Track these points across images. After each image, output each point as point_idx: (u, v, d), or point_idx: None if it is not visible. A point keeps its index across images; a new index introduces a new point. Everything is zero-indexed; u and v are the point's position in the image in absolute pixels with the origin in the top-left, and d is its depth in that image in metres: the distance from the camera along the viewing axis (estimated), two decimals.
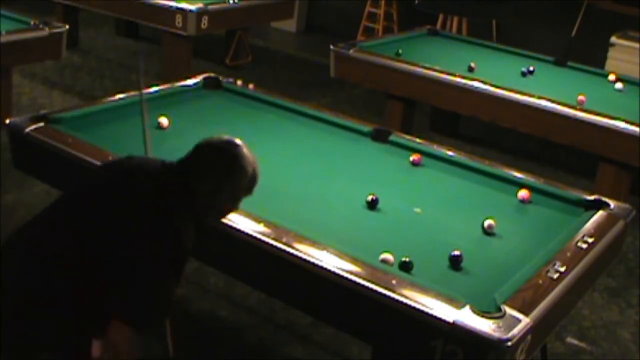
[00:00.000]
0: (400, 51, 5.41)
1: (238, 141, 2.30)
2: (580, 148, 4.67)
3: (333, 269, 2.42)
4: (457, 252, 2.62)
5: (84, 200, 2.22)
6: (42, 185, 4.24)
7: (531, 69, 5.45)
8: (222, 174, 2.24)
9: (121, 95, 3.86)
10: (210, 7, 6.27)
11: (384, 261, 2.52)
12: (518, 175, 3.37)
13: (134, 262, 2.08)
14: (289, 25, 8.87)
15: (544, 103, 4.64)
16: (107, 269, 2.07)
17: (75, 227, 2.14)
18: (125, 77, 6.86)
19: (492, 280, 2.53)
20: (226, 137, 2.31)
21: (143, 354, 2.18)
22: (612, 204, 3.08)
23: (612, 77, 5.40)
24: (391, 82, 5.29)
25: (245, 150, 2.28)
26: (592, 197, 3.14)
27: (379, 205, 2.99)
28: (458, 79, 4.96)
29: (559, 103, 4.62)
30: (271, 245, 2.55)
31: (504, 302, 2.30)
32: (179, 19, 6.13)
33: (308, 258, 2.48)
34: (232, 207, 2.35)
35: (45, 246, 2.12)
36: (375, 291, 2.33)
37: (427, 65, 5.14)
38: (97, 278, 2.06)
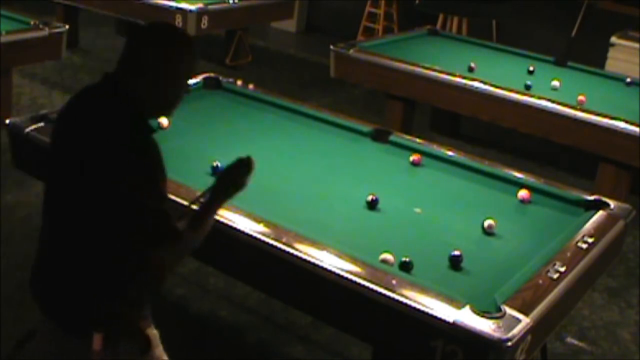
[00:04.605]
0: (529, 83, 5.01)
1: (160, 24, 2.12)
2: (580, 148, 4.67)
3: (333, 269, 2.42)
4: (457, 252, 2.62)
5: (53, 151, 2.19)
6: (42, 185, 4.23)
7: (531, 69, 5.45)
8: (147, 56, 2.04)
9: None
10: (210, 7, 6.27)
11: (384, 261, 2.52)
12: (518, 175, 3.37)
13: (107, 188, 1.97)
14: (289, 25, 8.87)
15: (544, 103, 4.64)
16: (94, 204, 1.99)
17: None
18: None
19: (492, 280, 2.53)
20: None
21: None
22: (612, 204, 3.08)
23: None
24: (391, 82, 5.29)
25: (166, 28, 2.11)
26: (592, 197, 3.14)
27: (379, 205, 2.99)
28: (458, 79, 4.96)
29: (559, 103, 4.62)
30: (271, 245, 2.55)
31: (504, 302, 2.30)
32: (179, 19, 6.13)
33: (308, 258, 2.48)
34: (178, 89, 2.15)
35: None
36: (375, 291, 2.33)
37: (427, 65, 5.14)
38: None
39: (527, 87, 4.92)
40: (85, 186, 2.01)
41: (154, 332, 2.21)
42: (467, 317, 2.20)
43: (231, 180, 2.10)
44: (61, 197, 2.11)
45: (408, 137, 3.76)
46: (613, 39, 6.57)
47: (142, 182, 1.98)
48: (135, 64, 2.06)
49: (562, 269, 2.53)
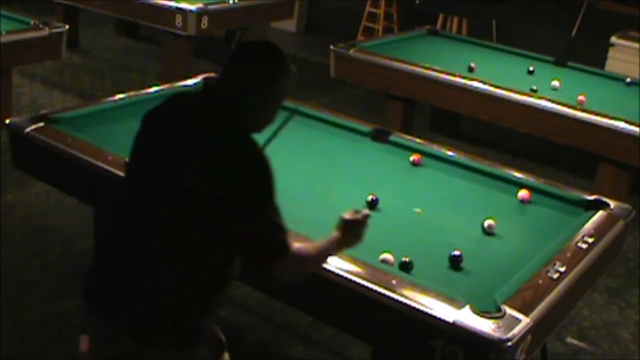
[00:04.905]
0: (535, 87, 4.90)
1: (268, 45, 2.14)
2: (580, 148, 4.67)
3: (333, 269, 2.42)
4: (457, 252, 2.62)
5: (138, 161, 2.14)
6: (42, 185, 4.25)
7: (531, 69, 5.45)
8: (254, 76, 2.07)
9: (121, 95, 3.87)
10: (210, 7, 6.27)
11: (384, 261, 2.53)
12: (518, 175, 3.37)
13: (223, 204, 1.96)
14: (289, 25, 8.87)
15: (544, 103, 4.64)
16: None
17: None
18: (125, 77, 6.86)
19: (492, 280, 2.53)
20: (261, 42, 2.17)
21: None
22: (612, 204, 3.08)
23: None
24: (391, 82, 5.29)
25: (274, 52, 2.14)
26: (592, 197, 3.14)
27: (379, 205, 2.99)
28: (458, 79, 4.96)
29: (559, 103, 4.62)
30: None
31: (504, 302, 2.30)
32: (179, 19, 6.13)
33: None
34: (275, 109, 2.19)
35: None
36: (375, 291, 2.33)
37: (427, 65, 5.14)
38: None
39: (533, 91, 4.87)
40: (196, 198, 1.97)
41: (223, 337, 2.22)
42: (467, 317, 2.20)
43: (355, 232, 2.27)
44: (152, 210, 2.04)
45: (408, 137, 3.76)
46: (613, 39, 6.57)
47: (264, 196, 2.01)
48: (237, 82, 2.07)
49: (562, 269, 2.53)
